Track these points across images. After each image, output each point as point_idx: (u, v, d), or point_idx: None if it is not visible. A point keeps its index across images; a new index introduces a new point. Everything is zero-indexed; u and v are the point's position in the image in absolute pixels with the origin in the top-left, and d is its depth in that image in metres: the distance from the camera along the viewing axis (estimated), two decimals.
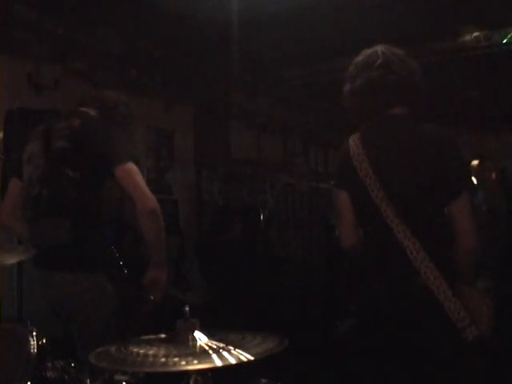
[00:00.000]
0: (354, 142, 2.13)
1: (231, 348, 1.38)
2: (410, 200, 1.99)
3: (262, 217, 6.64)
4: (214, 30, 5.17)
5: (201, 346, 1.41)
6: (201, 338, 1.44)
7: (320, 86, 6.70)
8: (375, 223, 2.03)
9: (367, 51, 2.17)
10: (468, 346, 1.88)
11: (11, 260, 1.91)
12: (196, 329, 1.47)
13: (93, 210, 2.46)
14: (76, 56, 5.05)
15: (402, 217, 1.95)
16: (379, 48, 2.15)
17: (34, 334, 1.84)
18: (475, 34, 5.56)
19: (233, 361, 1.32)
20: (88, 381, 1.80)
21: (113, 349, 1.46)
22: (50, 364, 1.84)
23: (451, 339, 1.90)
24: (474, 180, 4.95)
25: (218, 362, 1.32)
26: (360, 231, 2.20)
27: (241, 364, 1.33)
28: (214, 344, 1.41)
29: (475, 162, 5.20)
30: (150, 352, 1.40)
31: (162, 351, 1.40)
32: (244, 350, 1.37)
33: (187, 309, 1.48)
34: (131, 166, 2.40)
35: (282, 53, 5.99)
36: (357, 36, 5.18)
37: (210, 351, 1.37)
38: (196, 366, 1.31)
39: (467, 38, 5.64)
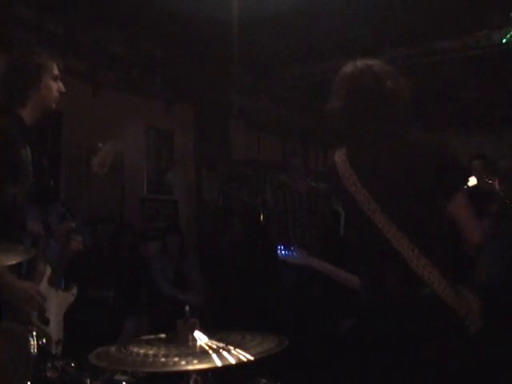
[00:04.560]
0: (339, 158, 2.14)
1: (231, 348, 1.38)
2: (403, 209, 2.03)
3: (261, 217, 6.63)
4: (214, 30, 5.17)
5: (201, 346, 1.41)
6: (201, 338, 1.44)
7: (320, 86, 6.69)
8: (371, 236, 2.07)
9: (346, 70, 2.14)
10: (470, 338, 1.98)
11: (11, 260, 1.91)
12: (196, 329, 1.47)
13: None
14: (76, 56, 5.05)
15: (397, 227, 1.99)
16: (355, 66, 2.13)
17: (34, 333, 1.84)
18: (475, 34, 5.56)
19: (233, 361, 1.32)
20: (88, 381, 1.80)
21: (113, 349, 1.46)
22: (49, 364, 1.84)
23: (456, 335, 1.97)
24: (475, 180, 4.95)
25: (218, 362, 1.32)
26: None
27: (241, 364, 1.33)
28: (214, 344, 1.41)
29: (476, 162, 5.19)
30: (150, 352, 1.40)
31: (162, 351, 1.40)
32: (244, 350, 1.37)
33: (187, 309, 1.48)
34: None
35: (282, 53, 5.99)
36: (356, 36, 5.20)
37: (210, 351, 1.37)
38: (196, 365, 1.31)
39: (467, 38, 5.64)
